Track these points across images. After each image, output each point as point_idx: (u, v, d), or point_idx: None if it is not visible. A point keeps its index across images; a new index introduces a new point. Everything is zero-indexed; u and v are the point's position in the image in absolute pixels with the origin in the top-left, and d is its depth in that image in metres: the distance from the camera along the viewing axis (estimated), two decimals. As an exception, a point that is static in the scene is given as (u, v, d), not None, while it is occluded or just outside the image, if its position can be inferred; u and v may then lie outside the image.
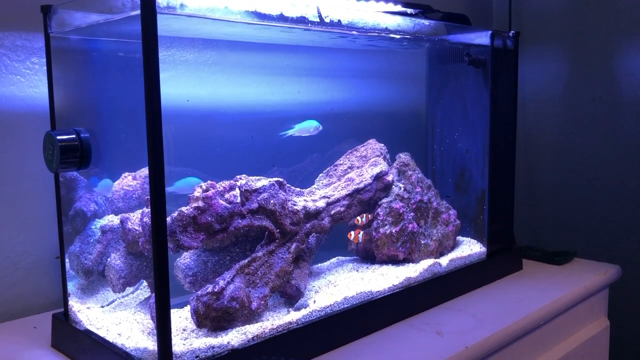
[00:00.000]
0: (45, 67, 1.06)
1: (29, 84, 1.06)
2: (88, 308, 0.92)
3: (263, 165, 1.15)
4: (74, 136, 0.86)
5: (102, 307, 0.94)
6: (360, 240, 1.11)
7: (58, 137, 0.85)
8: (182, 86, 1.11)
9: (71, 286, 0.95)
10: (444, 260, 1.18)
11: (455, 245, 1.28)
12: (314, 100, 1.31)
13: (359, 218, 1.09)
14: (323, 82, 1.34)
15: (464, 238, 1.33)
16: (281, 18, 0.85)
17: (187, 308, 0.89)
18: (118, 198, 0.98)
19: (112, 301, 0.95)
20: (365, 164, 1.16)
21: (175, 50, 1.11)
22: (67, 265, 0.95)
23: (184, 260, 0.90)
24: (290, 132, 0.93)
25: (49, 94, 0.92)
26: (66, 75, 0.93)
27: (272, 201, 0.91)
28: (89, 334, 0.86)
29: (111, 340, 0.82)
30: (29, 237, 1.07)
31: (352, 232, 1.11)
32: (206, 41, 1.14)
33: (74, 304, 0.93)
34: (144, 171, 1.00)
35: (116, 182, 0.99)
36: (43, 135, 0.89)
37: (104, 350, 0.81)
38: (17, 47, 1.05)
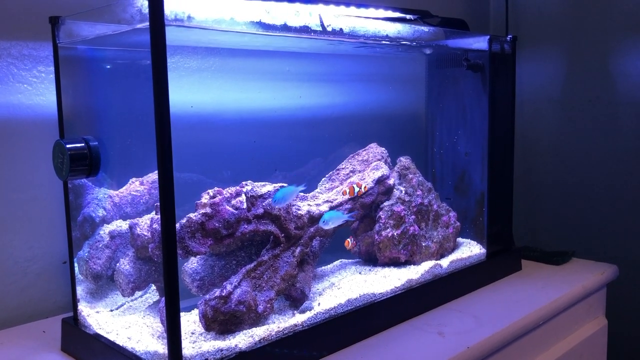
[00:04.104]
0: (51, 76, 1.09)
1: (36, 92, 1.08)
2: (97, 312, 0.94)
3: (265, 169, 1.18)
4: (83, 144, 0.88)
5: (112, 311, 0.95)
6: (350, 245, 1.14)
7: (67, 146, 0.87)
8: (185, 92, 1.13)
9: (80, 291, 0.97)
10: (445, 262, 1.20)
11: (455, 247, 1.30)
12: (315, 104, 1.33)
13: (352, 188, 1.10)
14: (324, 87, 1.36)
15: (464, 240, 1.35)
16: (285, 28, 0.87)
17: (195, 312, 0.91)
18: (126, 203, 1.00)
19: (121, 305, 0.97)
20: (366, 167, 1.18)
21: (179, 58, 1.13)
22: (76, 270, 0.97)
23: (191, 264, 0.92)
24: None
25: (58, 103, 0.93)
26: (74, 84, 0.95)
27: (277, 206, 0.93)
28: (98, 337, 0.87)
29: (121, 344, 0.84)
30: (38, 243, 1.09)
31: (349, 240, 1.15)
32: (209, 48, 1.16)
33: (83, 308, 0.95)
34: (151, 176, 1.02)
35: (124, 188, 1.01)
36: (50, 142, 0.91)
37: (114, 354, 0.83)
38: (24, 56, 1.06)
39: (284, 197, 0.90)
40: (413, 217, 1.18)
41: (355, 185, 1.09)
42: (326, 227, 0.99)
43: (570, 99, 1.85)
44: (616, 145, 1.76)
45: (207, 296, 0.84)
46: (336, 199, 1.08)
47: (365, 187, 1.11)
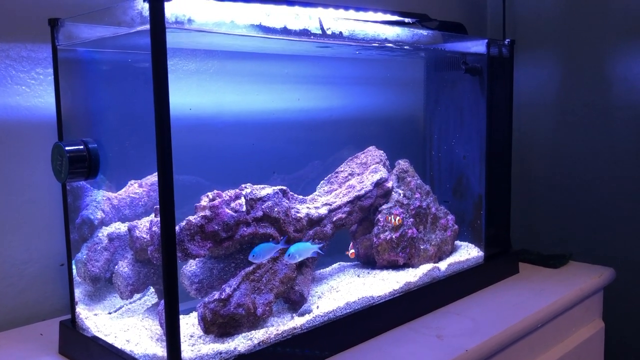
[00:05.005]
0: (49, 78, 1.08)
1: (34, 94, 1.08)
2: (95, 315, 0.94)
3: (264, 172, 1.17)
4: (82, 147, 0.88)
5: (110, 313, 0.95)
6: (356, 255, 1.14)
7: (66, 148, 0.86)
8: (184, 95, 1.13)
9: (78, 293, 0.97)
10: (443, 265, 1.20)
11: (453, 249, 1.31)
12: (313, 107, 1.33)
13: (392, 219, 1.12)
14: (322, 90, 1.37)
15: (462, 242, 1.36)
16: (285, 31, 0.88)
17: (194, 314, 0.91)
18: (124, 205, 0.99)
19: (120, 307, 0.97)
20: (365, 170, 1.18)
21: (177, 60, 1.13)
22: (74, 272, 0.96)
23: (190, 267, 0.92)
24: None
25: (56, 105, 0.93)
26: (72, 86, 0.95)
27: (276, 209, 0.93)
28: (96, 340, 0.87)
29: (119, 347, 0.84)
30: (35, 245, 1.09)
31: (354, 252, 1.15)
32: (208, 51, 1.16)
33: (81, 310, 0.94)
34: (150, 178, 1.02)
35: (122, 190, 1.01)
36: (48, 144, 0.91)
37: (113, 357, 0.83)
38: (22, 58, 1.06)
39: (257, 255, 0.87)
40: (411, 220, 1.18)
41: (392, 216, 1.11)
42: (292, 262, 0.92)
43: (566, 103, 1.86)
44: (612, 148, 1.77)
45: (206, 299, 0.84)
46: (335, 202, 1.08)
47: (399, 219, 1.12)
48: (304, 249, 0.93)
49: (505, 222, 1.38)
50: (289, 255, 0.90)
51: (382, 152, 1.24)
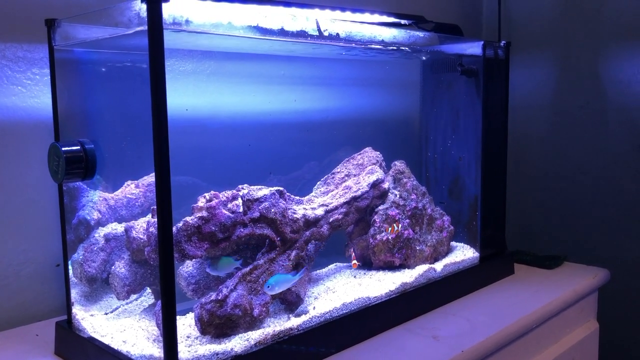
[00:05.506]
0: (46, 78, 1.08)
1: (30, 94, 1.07)
2: (92, 315, 0.94)
3: (261, 172, 1.18)
4: (78, 147, 0.88)
5: (106, 314, 0.95)
6: (356, 262, 1.15)
7: (63, 149, 0.86)
8: (181, 95, 1.13)
9: (74, 294, 0.97)
10: (439, 266, 1.20)
11: (449, 250, 1.31)
12: (310, 108, 1.34)
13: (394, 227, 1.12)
14: (319, 91, 1.37)
15: (458, 243, 1.36)
16: (282, 32, 0.88)
17: (190, 315, 0.91)
18: (121, 206, 0.99)
19: (116, 308, 0.97)
20: (361, 171, 1.19)
21: (174, 61, 1.13)
22: (70, 272, 0.96)
23: (187, 268, 0.92)
24: None
25: (53, 106, 0.93)
26: (69, 87, 0.95)
27: (273, 210, 0.93)
28: (93, 341, 0.87)
29: (116, 348, 0.84)
30: (31, 246, 1.09)
31: (355, 262, 1.16)
32: (204, 51, 1.16)
33: (78, 311, 0.94)
34: (147, 179, 1.02)
35: (119, 190, 1.01)
36: (45, 145, 0.91)
37: (109, 358, 0.83)
38: (19, 58, 1.06)
39: (214, 267, 0.87)
40: (407, 221, 1.18)
41: (395, 224, 1.11)
42: (271, 293, 0.89)
43: (561, 104, 1.87)
44: (607, 150, 1.78)
45: (203, 300, 0.84)
46: (331, 203, 1.08)
47: (397, 230, 1.12)
48: (284, 281, 0.91)
49: (501, 223, 1.38)
50: (268, 286, 0.89)
51: (378, 153, 1.25)
